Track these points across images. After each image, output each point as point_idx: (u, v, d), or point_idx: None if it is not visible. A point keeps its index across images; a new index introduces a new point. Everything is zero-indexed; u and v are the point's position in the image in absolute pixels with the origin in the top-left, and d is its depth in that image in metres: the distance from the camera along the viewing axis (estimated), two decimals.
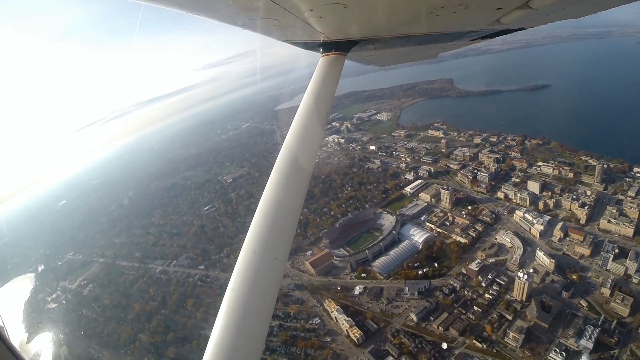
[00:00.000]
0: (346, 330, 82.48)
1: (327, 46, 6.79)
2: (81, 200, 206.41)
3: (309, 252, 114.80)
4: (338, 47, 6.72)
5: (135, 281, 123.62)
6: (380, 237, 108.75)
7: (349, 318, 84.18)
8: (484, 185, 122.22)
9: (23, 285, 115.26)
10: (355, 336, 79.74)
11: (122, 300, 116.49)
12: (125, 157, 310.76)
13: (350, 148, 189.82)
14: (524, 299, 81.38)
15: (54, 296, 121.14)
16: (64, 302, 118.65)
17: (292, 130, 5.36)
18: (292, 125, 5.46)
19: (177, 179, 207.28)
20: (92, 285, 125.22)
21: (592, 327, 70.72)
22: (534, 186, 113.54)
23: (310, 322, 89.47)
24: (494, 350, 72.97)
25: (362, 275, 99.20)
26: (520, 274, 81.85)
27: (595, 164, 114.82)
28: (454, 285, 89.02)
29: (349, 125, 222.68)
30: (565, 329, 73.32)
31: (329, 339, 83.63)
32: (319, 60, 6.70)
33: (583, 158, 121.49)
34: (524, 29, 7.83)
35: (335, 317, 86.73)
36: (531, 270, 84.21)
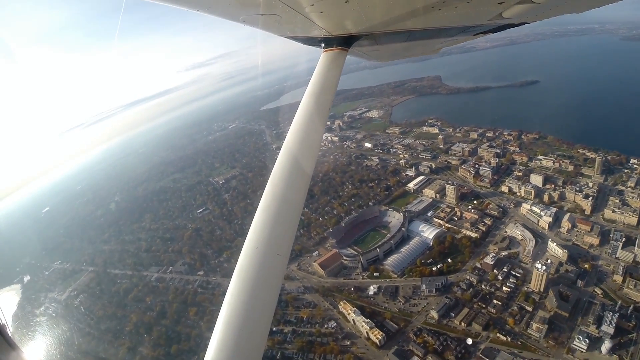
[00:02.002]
0: (366, 332, 79.72)
1: (329, 42, 6.73)
2: (65, 206, 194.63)
3: (315, 253, 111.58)
4: (340, 42, 6.68)
5: (129, 290, 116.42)
6: (390, 235, 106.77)
7: (368, 319, 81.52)
8: (487, 180, 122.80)
9: (8, 298, 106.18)
10: (377, 338, 77.11)
11: (117, 311, 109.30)
12: (108, 161, 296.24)
13: (345, 146, 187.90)
14: (542, 289, 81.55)
15: (42, 309, 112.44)
16: (54, 314, 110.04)
17: (294, 125, 5.34)
18: (294, 120, 5.43)
19: (166, 181, 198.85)
20: (83, 296, 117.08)
21: (611, 313, 72.09)
22: (536, 179, 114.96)
23: (325, 326, 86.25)
24: (519, 342, 72.62)
25: (375, 274, 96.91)
26: (538, 265, 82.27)
27: (593, 156, 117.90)
28: (471, 280, 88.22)
29: (341, 124, 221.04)
30: (584, 316, 74.27)
31: (348, 343, 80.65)
32: (320, 56, 6.61)
33: (581, 151, 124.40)
34: (526, 23, 7.60)
35: (352, 320, 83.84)
36: (549, 261, 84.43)
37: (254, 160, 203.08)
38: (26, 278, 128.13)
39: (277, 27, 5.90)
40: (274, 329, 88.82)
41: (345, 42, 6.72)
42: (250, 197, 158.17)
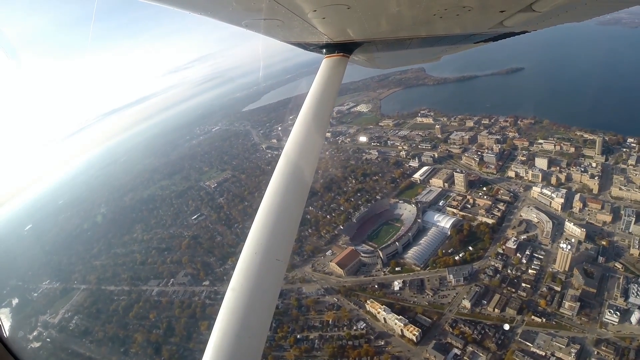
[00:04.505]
0: (400, 329, 76.89)
1: (330, 48, 6.77)
2: (49, 222, 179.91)
3: (328, 253, 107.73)
4: (341, 48, 6.73)
5: (129, 307, 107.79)
6: (407, 227, 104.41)
7: (400, 316, 78.67)
8: (492, 166, 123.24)
9: None
10: (414, 334, 74.39)
11: (119, 332, 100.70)
12: (89, 172, 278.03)
13: (340, 141, 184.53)
14: (566, 269, 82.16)
15: (35, 333, 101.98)
16: (49, 339, 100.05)
17: (294, 131, 5.37)
18: (295, 126, 5.46)
19: (153, 189, 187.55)
20: (78, 317, 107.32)
21: (636, 286, 74.62)
22: (541, 163, 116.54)
23: (354, 327, 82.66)
24: (554, 322, 72.98)
25: (397, 269, 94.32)
26: (563, 245, 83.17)
27: (591, 137, 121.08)
28: (496, 265, 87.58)
29: (331, 120, 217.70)
30: (610, 291, 75.93)
31: (382, 343, 77.65)
32: (322, 62, 6.67)
33: (578, 133, 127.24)
34: (527, 32, 7.65)
35: (383, 318, 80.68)
36: (572, 241, 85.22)
37: (245, 161, 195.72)
38: (14, 301, 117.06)
39: (279, 32, 5.86)
40: (298, 336, 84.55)
41: (346, 48, 6.74)
42: (247, 199, 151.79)
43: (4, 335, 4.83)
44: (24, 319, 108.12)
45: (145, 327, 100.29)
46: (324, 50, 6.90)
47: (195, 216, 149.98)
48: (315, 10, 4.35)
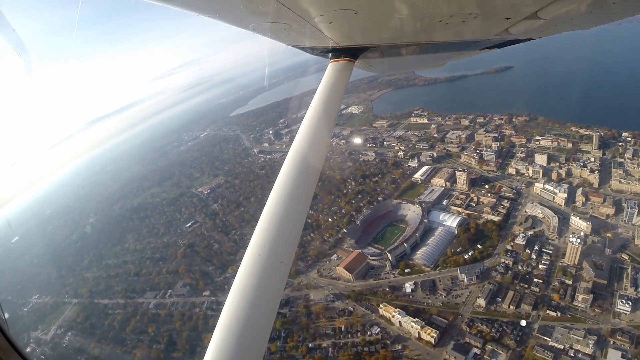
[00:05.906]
0: (417, 332, 75.02)
1: (336, 52, 6.83)
2: (36, 234, 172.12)
3: (334, 257, 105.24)
4: (347, 53, 6.77)
5: (126, 322, 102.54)
6: (413, 228, 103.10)
7: (417, 319, 76.76)
8: (492, 164, 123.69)
9: None
10: (432, 336, 72.64)
11: (117, 348, 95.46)
12: (75, 182, 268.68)
13: (334, 143, 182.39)
14: (576, 262, 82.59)
15: (27, 350, 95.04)
16: (42, 357, 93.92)
17: (300, 134, 5.42)
18: (300, 129, 5.52)
19: (143, 197, 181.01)
20: (71, 333, 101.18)
21: None
22: (541, 159, 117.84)
23: (369, 333, 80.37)
24: (568, 316, 73.16)
25: (406, 270, 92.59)
26: (573, 239, 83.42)
27: (587, 133, 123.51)
28: (506, 262, 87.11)
29: None
30: (619, 281, 76.98)
31: (399, 347, 75.64)
32: (327, 66, 6.72)
33: (574, 129, 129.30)
34: (532, 39, 7.62)
35: (399, 322, 78.63)
36: (582, 234, 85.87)
37: (237, 166, 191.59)
38: (4, 316, 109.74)
39: (286, 36, 5.88)
40: (310, 345, 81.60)
41: (352, 53, 6.77)
42: (243, 205, 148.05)
43: (8, 331, 4.63)
44: (15, 335, 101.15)
45: (145, 342, 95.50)
46: (330, 54, 6.91)
47: (190, 224, 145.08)
48: (322, 15, 4.26)
